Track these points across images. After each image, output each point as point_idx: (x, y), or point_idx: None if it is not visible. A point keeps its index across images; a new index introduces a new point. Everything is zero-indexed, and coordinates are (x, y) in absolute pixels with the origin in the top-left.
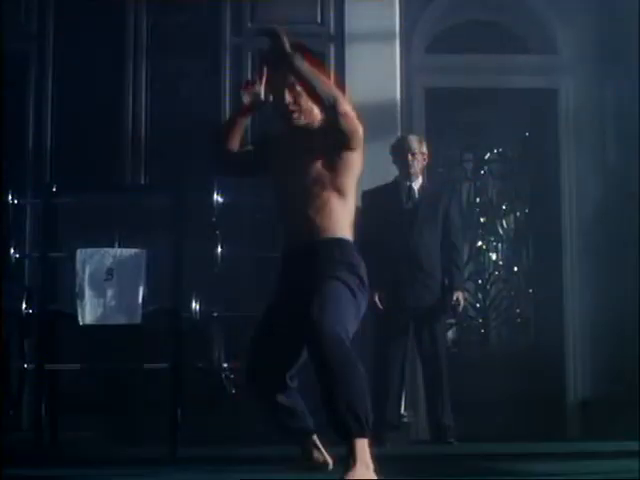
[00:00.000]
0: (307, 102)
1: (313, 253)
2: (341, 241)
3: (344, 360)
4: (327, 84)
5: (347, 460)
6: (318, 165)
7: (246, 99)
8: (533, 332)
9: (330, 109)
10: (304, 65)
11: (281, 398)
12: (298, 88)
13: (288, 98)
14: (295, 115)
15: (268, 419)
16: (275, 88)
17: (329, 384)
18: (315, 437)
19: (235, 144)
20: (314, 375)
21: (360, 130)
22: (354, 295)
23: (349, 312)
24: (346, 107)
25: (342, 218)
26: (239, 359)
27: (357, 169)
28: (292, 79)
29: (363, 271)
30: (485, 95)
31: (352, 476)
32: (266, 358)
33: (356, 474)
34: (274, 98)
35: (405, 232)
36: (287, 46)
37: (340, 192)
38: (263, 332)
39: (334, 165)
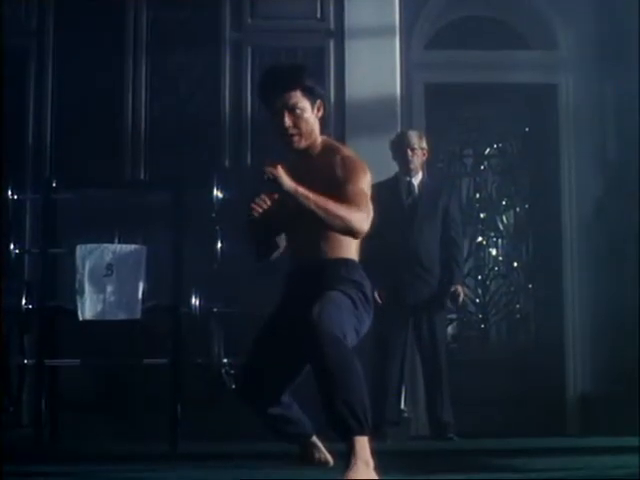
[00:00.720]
0: (307, 125)
1: (319, 271)
2: (348, 261)
3: (341, 359)
4: (335, 213)
5: (347, 458)
6: (323, 193)
7: (256, 213)
8: (533, 328)
9: (345, 233)
10: (310, 200)
11: (275, 410)
12: (298, 111)
13: (287, 122)
14: (295, 139)
15: (265, 426)
16: (274, 112)
17: (327, 383)
18: (314, 437)
19: (268, 238)
20: (312, 375)
21: (369, 221)
22: (355, 306)
23: (349, 319)
24: (361, 226)
25: (349, 242)
26: (239, 355)
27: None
28: (291, 102)
29: (368, 290)
30: (485, 90)
31: (352, 474)
32: (260, 379)
33: (356, 472)
34: (274, 122)
35: (405, 228)
36: (288, 184)
37: None
38: (258, 350)
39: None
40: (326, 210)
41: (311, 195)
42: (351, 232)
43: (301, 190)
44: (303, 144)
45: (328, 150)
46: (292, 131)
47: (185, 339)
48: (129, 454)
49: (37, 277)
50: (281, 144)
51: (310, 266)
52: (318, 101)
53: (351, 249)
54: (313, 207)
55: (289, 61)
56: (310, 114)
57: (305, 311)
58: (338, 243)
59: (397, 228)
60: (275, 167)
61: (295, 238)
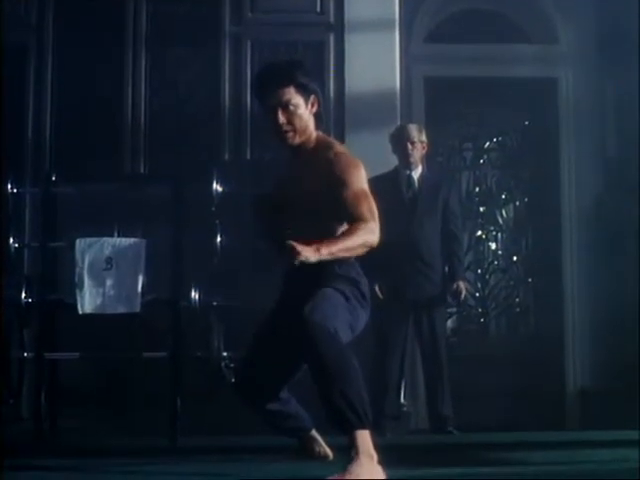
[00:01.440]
0: (301, 121)
1: (314, 269)
2: (343, 258)
3: (336, 354)
4: (356, 245)
5: (349, 453)
6: (319, 190)
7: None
8: (532, 321)
9: (367, 250)
10: (334, 254)
11: (274, 406)
12: (291, 107)
13: (281, 119)
14: (289, 135)
15: (264, 422)
16: (268, 109)
17: (323, 379)
18: (314, 431)
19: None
20: (309, 373)
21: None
22: (350, 303)
23: (342, 315)
24: (375, 238)
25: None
26: (238, 349)
27: None
28: (285, 99)
29: (365, 287)
30: (485, 84)
31: (356, 468)
32: (258, 377)
33: (360, 465)
34: (268, 119)
35: (405, 222)
36: (313, 256)
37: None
38: (257, 348)
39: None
40: (348, 250)
41: (333, 248)
42: (371, 247)
43: (324, 252)
44: (297, 140)
45: (323, 146)
46: (286, 128)
47: (185, 333)
48: (128, 448)
49: (37, 271)
50: (276, 141)
51: (306, 264)
52: (312, 97)
53: None
54: (339, 256)
55: (288, 55)
56: (304, 110)
57: (299, 309)
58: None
59: (397, 222)
60: (296, 251)
61: (291, 237)
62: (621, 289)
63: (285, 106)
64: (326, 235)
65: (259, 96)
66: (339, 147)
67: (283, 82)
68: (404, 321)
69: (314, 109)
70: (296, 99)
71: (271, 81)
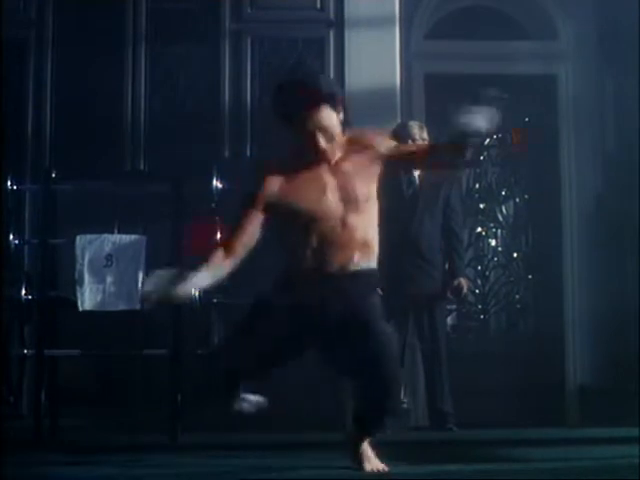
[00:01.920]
0: (334, 132)
1: (350, 282)
2: (374, 271)
3: (396, 365)
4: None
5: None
6: (358, 190)
7: None
8: (532, 318)
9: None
10: None
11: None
12: (327, 124)
13: (322, 142)
14: (327, 154)
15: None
16: (301, 130)
17: (382, 387)
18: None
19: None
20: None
21: None
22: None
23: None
24: None
25: (375, 251)
26: None
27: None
28: (323, 122)
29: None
30: (485, 81)
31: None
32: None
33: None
34: (299, 135)
35: (406, 219)
36: None
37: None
38: (256, 346)
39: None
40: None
41: None
42: None
43: None
44: (327, 146)
45: (352, 143)
46: (326, 147)
47: (185, 330)
48: (129, 445)
49: (37, 268)
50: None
51: (339, 276)
52: (338, 101)
53: (375, 257)
54: None
55: (287, 53)
56: (336, 120)
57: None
58: (367, 252)
59: (398, 219)
60: None
61: (322, 248)
62: (621, 285)
63: (324, 130)
64: (361, 248)
65: (286, 116)
66: (355, 130)
67: (317, 102)
68: (404, 318)
69: (341, 110)
70: (331, 115)
71: (302, 101)
